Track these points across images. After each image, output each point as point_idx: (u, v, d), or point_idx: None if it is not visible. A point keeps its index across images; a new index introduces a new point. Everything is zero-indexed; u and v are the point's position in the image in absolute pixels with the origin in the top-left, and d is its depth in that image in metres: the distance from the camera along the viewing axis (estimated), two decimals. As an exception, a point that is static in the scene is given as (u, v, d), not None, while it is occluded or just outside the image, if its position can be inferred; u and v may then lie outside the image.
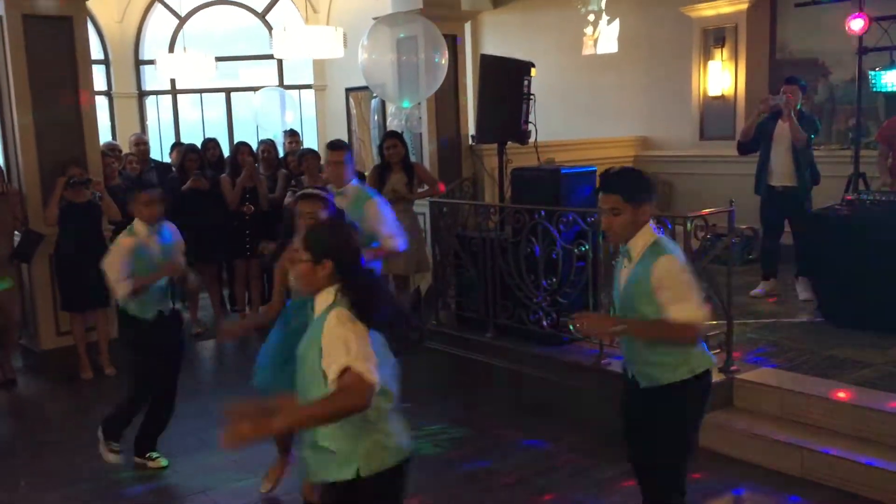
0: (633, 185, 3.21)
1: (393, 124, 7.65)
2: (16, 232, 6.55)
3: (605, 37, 9.94)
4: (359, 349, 2.47)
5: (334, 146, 5.11)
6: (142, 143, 8.48)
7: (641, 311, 3.16)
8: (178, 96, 12.49)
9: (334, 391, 2.44)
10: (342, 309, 2.57)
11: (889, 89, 6.68)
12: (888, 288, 5.39)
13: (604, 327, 3.43)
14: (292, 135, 8.96)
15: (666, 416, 3.22)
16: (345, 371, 2.43)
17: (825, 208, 6.17)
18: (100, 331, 6.59)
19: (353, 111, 12.18)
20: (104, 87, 12.04)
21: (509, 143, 7.07)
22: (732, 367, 4.95)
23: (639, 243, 3.19)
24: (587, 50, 10.23)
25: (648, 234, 3.20)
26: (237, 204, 7.48)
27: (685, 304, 3.06)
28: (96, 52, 11.91)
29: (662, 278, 3.09)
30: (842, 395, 4.56)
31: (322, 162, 7.72)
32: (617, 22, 9.82)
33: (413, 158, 7.29)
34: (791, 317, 6.21)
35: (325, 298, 2.66)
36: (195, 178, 7.43)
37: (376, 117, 11.03)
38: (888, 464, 4.06)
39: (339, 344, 2.48)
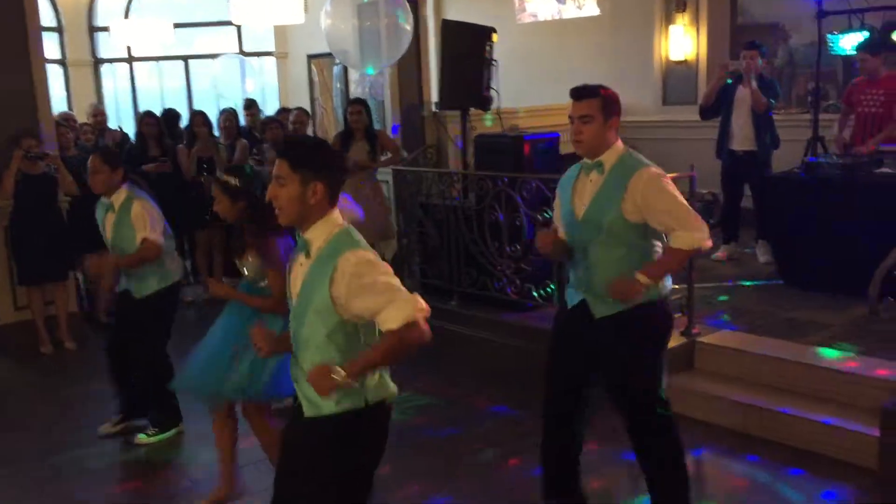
0: (610, 97, 3.26)
1: (356, 91, 7.58)
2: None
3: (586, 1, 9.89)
4: (396, 288, 2.41)
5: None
6: (99, 114, 8.30)
7: (606, 222, 3.19)
8: (135, 64, 12.21)
9: (398, 335, 2.37)
10: (357, 249, 2.45)
11: (847, 53, 6.73)
12: (845, 250, 5.47)
13: (634, 289, 3.19)
14: (249, 107, 8.81)
15: (639, 338, 3.26)
16: (408, 325, 2.38)
17: (784, 172, 6.24)
18: (58, 305, 6.48)
19: (316, 78, 12.01)
20: (58, 56, 11.73)
21: (473, 109, 7.03)
22: (693, 330, 5.01)
23: (611, 157, 3.25)
24: (524, 18, 10.20)
25: (620, 148, 3.28)
26: (193, 174, 7.37)
27: (687, 231, 3.12)
28: (48, 19, 11.59)
29: (649, 195, 3.13)
30: (800, 356, 4.64)
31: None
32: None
33: (377, 126, 7.24)
34: (751, 280, 6.30)
35: (324, 229, 2.50)
36: (160, 163, 7.29)
37: (339, 84, 10.90)
38: (844, 422, 4.16)
39: (377, 288, 2.40)
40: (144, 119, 7.56)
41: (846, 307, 5.29)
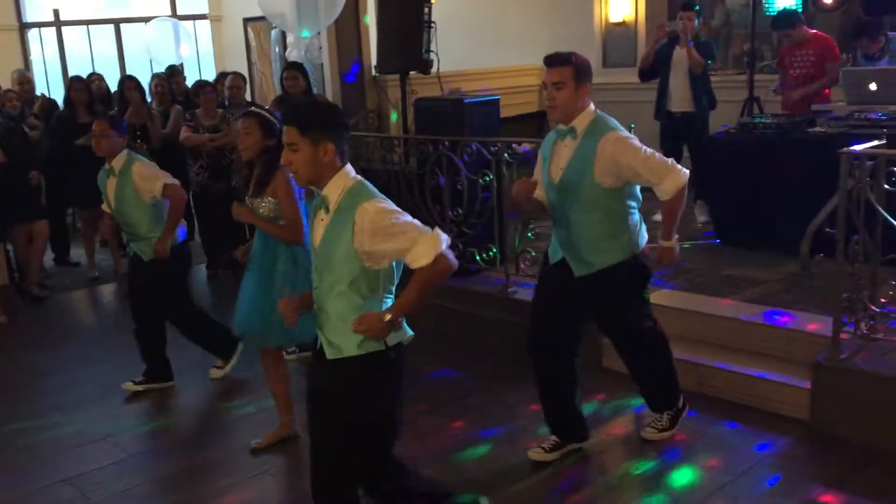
0: (582, 64, 3.40)
1: (292, 55, 7.43)
2: None
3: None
4: (417, 227, 2.58)
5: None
6: (25, 82, 7.98)
7: (582, 188, 3.37)
8: (63, 28, 11.78)
9: (429, 270, 2.56)
10: (371, 199, 2.58)
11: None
12: (779, 209, 5.58)
13: (672, 258, 3.69)
14: (173, 74, 8.55)
15: (620, 291, 3.58)
16: (437, 258, 2.55)
17: (721, 132, 6.32)
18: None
19: (253, 43, 11.74)
20: (-21, 20, 11.26)
21: (413, 73, 6.95)
22: (634, 290, 5.07)
23: (583, 122, 3.40)
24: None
25: (591, 112, 3.43)
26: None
27: (667, 175, 3.35)
28: (-32, -20, 11.10)
29: (618, 157, 3.32)
30: (736, 312, 4.74)
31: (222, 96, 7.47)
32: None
33: (315, 90, 7.11)
34: (689, 240, 6.40)
35: (338, 185, 2.64)
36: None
37: (277, 49, 10.66)
38: (778, 376, 4.27)
39: (399, 232, 2.56)
40: (73, 84, 7.29)
41: (780, 264, 5.41)
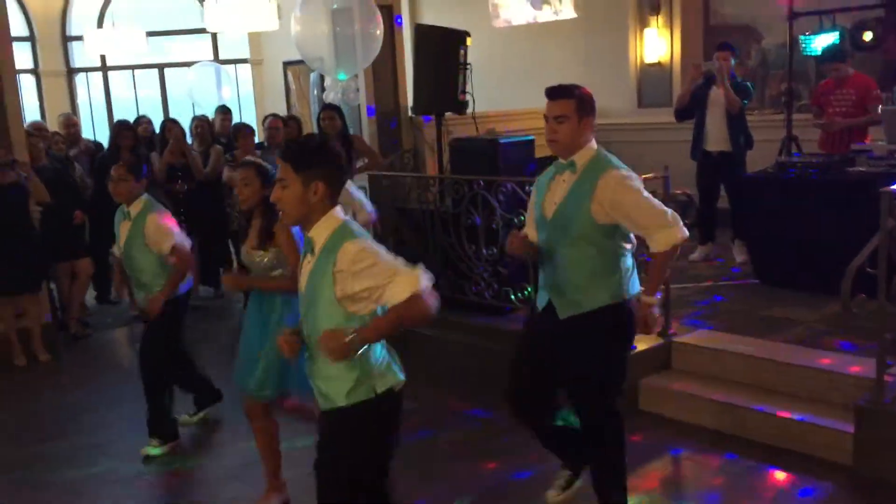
0: (585, 97, 3.25)
1: (329, 97, 7.54)
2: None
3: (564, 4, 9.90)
4: (397, 267, 2.53)
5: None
6: (71, 125, 8.19)
7: (575, 223, 3.19)
8: (109, 73, 12.14)
9: (404, 306, 2.51)
10: (354, 240, 2.54)
11: (818, 53, 6.79)
12: (819, 248, 5.51)
13: (649, 316, 3.27)
14: (224, 112, 8.76)
15: (603, 336, 3.26)
16: (413, 297, 2.50)
17: (759, 172, 6.27)
18: (31, 317, 6.40)
19: (292, 85, 11.97)
20: (30, 65, 11.63)
21: (448, 113, 7.02)
22: (670, 331, 5.01)
23: (584, 157, 3.24)
24: (497, 22, 10.21)
25: (593, 148, 3.27)
26: (165, 178, 7.30)
27: (663, 228, 3.13)
28: (21, 28, 11.49)
29: (616, 197, 3.11)
30: (775, 353, 4.66)
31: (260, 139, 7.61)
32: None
33: (352, 131, 7.21)
34: (728, 279, 6.33)
35: (326, 227, 2.59)
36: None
37: (315, 91, 10.85)
38: (820, 419, 4.17)
39: (379, 270, 2.51)
40: (121, 132, 7.46)
41: (821, 304, 5.32)
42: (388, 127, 7.86)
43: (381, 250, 2.57)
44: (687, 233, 3.20)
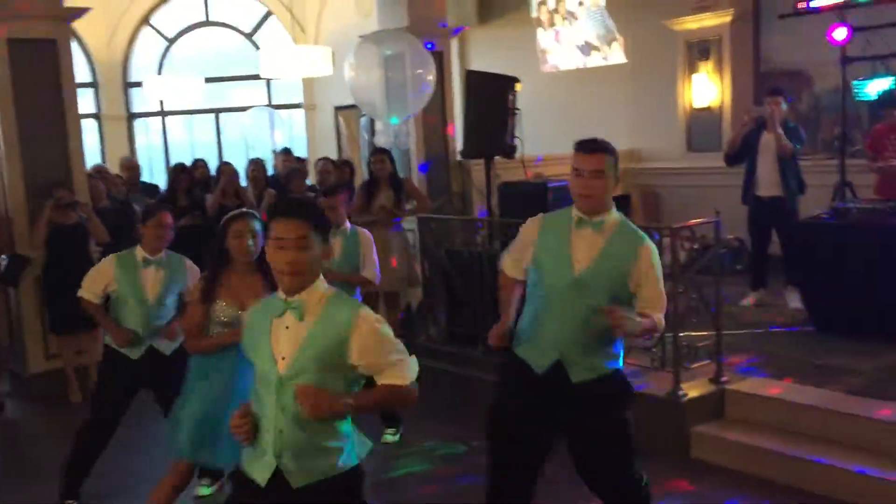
0: (616, 154, 3.15)
1: (380, 140, 7.68)
2: (2, 256, 6.52)
3: (613, 49, 10.04)
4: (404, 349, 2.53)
5: (326, 193, 5.18)
6: (132, 168, 8.44)
7: (609, 287, 3.06)
8: (167, 118, 12.52)
9: (405, 390, 2.51)
10: (365, 308, 2.50)
11: (872, 98, 6.72)
12: (875, 294, 5.40)
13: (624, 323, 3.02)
14: (286, 153, 8.94)
15: (619, 403, 3.17)
16: (413, 383, 2.51)
17: (812, 217, 6.19)
18: (89, 354, 6.54)
19: (343, 130, 12.20)
20: (93, 110, 12.06)
21: (497, 157, 7.09)
22: (723, 378, 4.93)
23: (612, 218, 3.14)
24: (545, 67, 10.37)
25: (615, 212, 3.17)
26: (216, 211, 7.44)
27: (663, 302, 3.13)
28: (84, 74, 11.94)
29: (649, 271, 3.08)
30: (832, 403, 4.55)
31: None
32: (606, 33, 9.93)
33: (401, 174, 7.30)
34: (781, 326, 6.21)
35: (318, 290, 2.46)
36: (191, 216, 7.36)
37: (366, 135, 11.05)
38: (880, 472, 4.06)
39: (394, 350, 2.49)
40: (178, 175, 7.66)
41: (878, 353, 5.19)
42: (438, 170, 7.95)
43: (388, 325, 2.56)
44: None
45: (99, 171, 7.58)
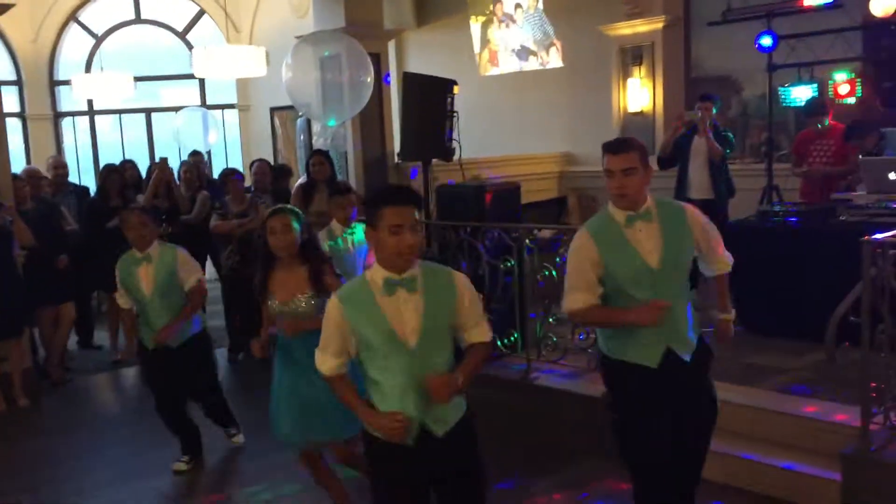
0: (643, 146, 3.27)
1: (319, 143, 7.61)
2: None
3: (552, 54, 10.15)
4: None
5: (338, 192, 5.38)
6: (60, 168, 8.18)
7: (684, 264, 3.26)
8: (96, 117, 12.17)
9: (488, 346, 2.84)
10: (454, 271, 2.84)
11: (798, 104, 6.94)
12: (802, 296, 5.56)
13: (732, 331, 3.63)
14: (195, 155, 8.79)
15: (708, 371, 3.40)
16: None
17: (741, 220, 6.35)
18: (12, 361, 6.32)
19: (279, 131, 12.06)
20: (17, 109, 11.66)
21: (434, 160, 7.10)
22: (656, 378, 5.01)
23: (651, 204, 3.21)
24: (485, 70, 10.46)
25: (648, 195, 3.23)
26: (149, 203, 7.29)
27: (726, 252, 3.44)
28: (8, 72, 11.55)
29: (704, 226, 3.31)
30: (760, 401, 4.67)
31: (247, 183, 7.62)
32: (543, 38, 10.04)
33: (339, 177, 7.26)
34: (711, 326, 6.33)
35: (414, 266, 2.72)
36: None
37: (302, 137, 10.92)
38: (806, 467, 4.17)
39: (480, 305, 2.82)
40: (109, 175, 7.45)
41: (804, 352, 5.34)
42: (375, 173, 7.91)
43: None
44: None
45: (31, 174, 7.32)
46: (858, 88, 6.61)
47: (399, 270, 2.67)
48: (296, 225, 3.72)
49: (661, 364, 3.17)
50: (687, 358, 3.23)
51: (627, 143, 3.19)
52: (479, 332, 2.80)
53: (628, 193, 3.12)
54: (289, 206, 3.99)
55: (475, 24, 10.87)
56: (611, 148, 3.16)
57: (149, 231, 4.68)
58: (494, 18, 10.67)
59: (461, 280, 2.77)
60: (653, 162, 7.28)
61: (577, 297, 3.19)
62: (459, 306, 2.73)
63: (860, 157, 6.34)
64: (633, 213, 3.17)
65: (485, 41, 10.80)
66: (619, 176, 3.11)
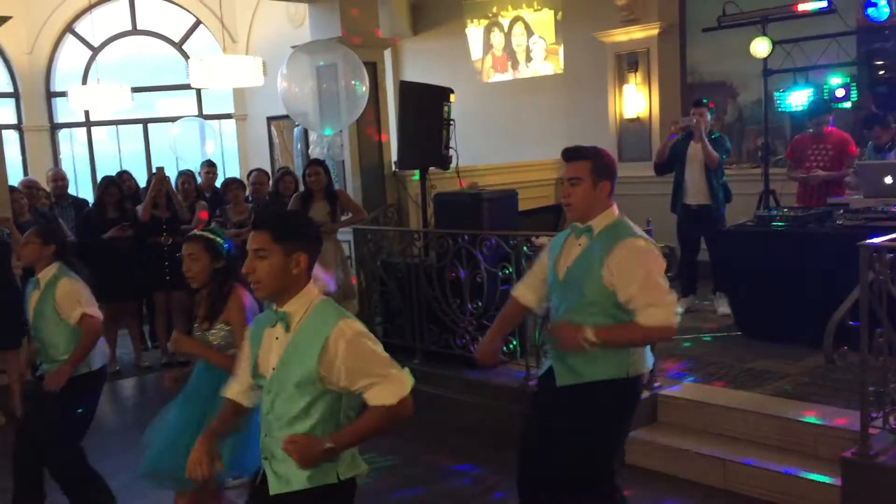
0: (602, 159, 3.12)
1: (315, 152, 7.61)
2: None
3: (540, 60, 10.20)
4: (391, 362, 2.42)
5: None
6: (59, 180, 8.18)
7: (586, 287, 3.02)
8: (93, 129, 12.18)
9: (390, 411, 2.40)
10: (347, 320, 2.42)
11: (793, 109, 6.96)
12: (799, 300, 5.57)
13: (575, 339, 2.99)
14: (209, 166, 8.81)
15: (597, 412, 3.06)
16: (400, 402, 2.40)
17: (738, 225, 6.36)
18: (11, 373, 6.31)
19: (276, 140, 12.07)
20: (14, 121, 11.67)
21: (432, 168, 7.10)
22: (655, 384, 5.02)
23: (602, 222, 3.09)
24: (487, 76, 10.47)
25: (612, 215, 3.12)
26: (148, 213, 7.30)
27: (657, 308, 2.94)
28: (5, 84, 11.56)
29: (623, 269, 2.95)
30: (760, 406, 4.68)
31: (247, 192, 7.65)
32: (542, 44, 10.09)
33: (336, 186, 7.26)
34: (710, 332, 6.36)
35: (303, 301, 2.45)
36: (120, 227, 7.22)
37: (299, 146, 10.96)
38: (806, 471, 4.18)
39: (375, 361, 2.40)
40: (108, 189, 7.45)
41: (804, 357, 5.35)
42: (373, 182, 7.92)
43: (372, 337, 2.45)
44: (674, 325, 3.01)
45: (28, 185, 7.32)
46: (853, 93, 6.62)
47: (277, 303, 2.49)
48: (207, 254, 3.49)
49: (545, 375, 3.28)
50: (561, 381, 3.13)
51: (579, 151, 3.13)
52: (379, 393, 2.38)
53: (571, 203, 3.10)
54: (203, 234, 3.61)
55: (476, 29, 10.87)
56: (563, 154, 3.17)
57: (29, 248, 4.23)
58: (497, 22, 10.65)
59: (342, 333, 2.38)
60: (649, 168, 7.39)
61: (518, 285, 3.48)
62: (327, 362, 2.37)
63: (856, 161, 6.37)
64: (580, 226, 3.15)
65: (487, 46, 10.80)
66: (566, 185, 3.12)
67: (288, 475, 2.44)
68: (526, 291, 3.41)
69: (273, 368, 2.47)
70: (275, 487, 2.48)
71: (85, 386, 4.19)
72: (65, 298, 4.12)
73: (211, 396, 3.29)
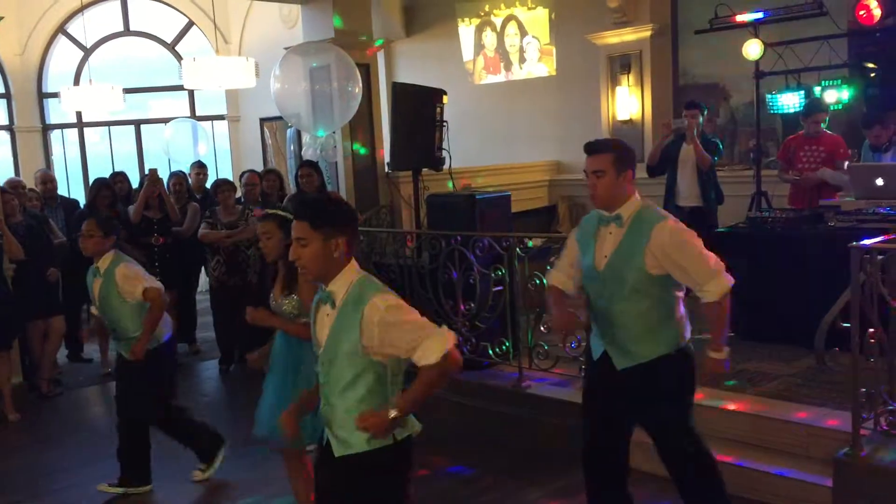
0: (623, 151, 3.30)
1: (308, 153, 7.61)
2: None
3: (534, 61, 10.21)
4: (427, 324, 2.56)
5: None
6: (48, 181, 8.15)
7: (630, 276, 3.22)
8: (85, 130, 12.14)
9: (438, 368, 2.54)
10: (380, 293, 2.58)
11: (785, 111, 6.98)
12: (791, 302, 5.58)
13: (722, 372, 3.48)
14: (199, 167, 8.79)
15: (663, 386, 3.33)
16: (445, 357, 2.53)
17: (730, 227, 6.38)
18: (1, 375, 6.28)
19: (269, 141, 12.05)
20: (5, 122, 11.63)
21: (424, 169, 7.10)
22: (648, 385, 5.02)
23: (629, 209, 3.28)
24: (479, 78, 10.48)
25: (638, 201, 3.31)
26: (139, 215, 7.28)
27: (713, 277, 3.22)
28: (-4, 85, 11.53)
29: (671, 249, 3.18)
30: (751, 407, 4.68)
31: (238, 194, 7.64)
32: (536, 44, 10.10)
33: (329, 187, 7.26)
34: (702, 333, 6.35)
35: (345, 280, 2.63)
36: None
37: (292, 147, 10.92)
38: (797, 473, 4.18)
39: (410, 327, 2.55)
40: (101, 191, 7.42)
41: (795, 358, 5.36)
42: (366, 183, 7.93)
43: (406, 305, 2.61)
44: (732, 280, 3.28)
45: (14, 185, 7.29)
46: (847, 94, 6.65)
47: (324, 283, 2.68)
48: (280, 231, 3.76)
49: (600, 359, 3.41)
50: (620, 364, 3.33)
51: (602, 144, 3.32)
52: (423, 352, 2.54)
53: (596, 194, 3.28)
54: (275, 212, 3.97)
55: (467, 28, 10.86)
56: (586, 148, 3.34)
57: (92, 242, 4.59)
58: (490, 21, 10.64)
59: (375, 307, 2.54)
60: (641, 170, 7.39)
61: (552, 273, 3.59)
62: (367, 334, 2.54)
63: (846, 164, 6.39)
64: (607, 214, 3.32)
65: (479, 47, 10.80)
66: (591, 177, 3.28)
67: (348, 439, 2.63)
68: (563, 278, 3.55)
69: (324, 341, 2.66)
70: (338, 450, 2.66)
71: (158, 356, 4.64)
72: (125, 281, 4.53)
73: (294, 363, 3.78)
